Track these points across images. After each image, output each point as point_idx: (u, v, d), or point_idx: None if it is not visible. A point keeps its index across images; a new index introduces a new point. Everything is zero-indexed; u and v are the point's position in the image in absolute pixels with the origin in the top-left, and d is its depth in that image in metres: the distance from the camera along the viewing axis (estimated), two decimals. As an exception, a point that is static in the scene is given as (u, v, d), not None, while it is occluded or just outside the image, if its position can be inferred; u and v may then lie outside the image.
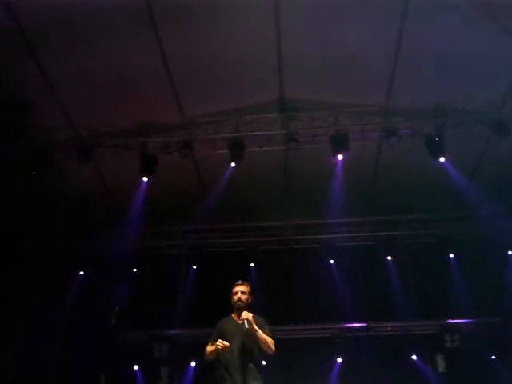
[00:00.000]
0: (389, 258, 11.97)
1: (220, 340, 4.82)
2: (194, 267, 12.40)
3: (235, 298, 5.14)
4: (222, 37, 8.27)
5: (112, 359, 11.08)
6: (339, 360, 11.25)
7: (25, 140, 8.89)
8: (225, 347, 4.78)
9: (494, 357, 10.86)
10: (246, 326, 4.81)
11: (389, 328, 11.53)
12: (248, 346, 4.91)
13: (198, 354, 11.01)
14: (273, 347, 4.89)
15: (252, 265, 11.88)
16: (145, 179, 9.63)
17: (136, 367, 11.48)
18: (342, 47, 8.38)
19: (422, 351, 11.28)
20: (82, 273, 11.89)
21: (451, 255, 11.71)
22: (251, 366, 4.89)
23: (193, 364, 11.46)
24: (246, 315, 4.87)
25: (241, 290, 5.17)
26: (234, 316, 5.18)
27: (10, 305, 9.91)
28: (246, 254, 12.02)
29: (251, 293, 5.27)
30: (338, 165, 9.65)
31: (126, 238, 11.42)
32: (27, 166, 9.10)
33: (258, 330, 4.87)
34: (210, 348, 5.06)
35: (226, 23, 8.06)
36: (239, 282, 5.27)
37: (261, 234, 12.03)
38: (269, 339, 4.90)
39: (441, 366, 11.02)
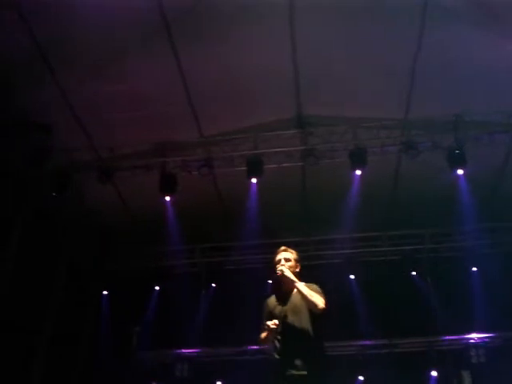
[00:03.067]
0: (413, 272, 11.80)
1: (271, 322, 4.06)
2: (214, 285, 12.37)
3: (277, 267, 4.34)
4: (239, 55, 8.35)
5: (133, 379, 11.04)
6: (361, 378, 11.06)
7: (47, 161, 9.04)
8: (275, 326, 4.04)
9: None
10: (279, 277, 4.23)
11: (413, 344, 11.32)
12: (301, 320, 4.18)
13: (221, 372, 11.22)
14: (320, 303, 4.10)
15: (270, 281, 11.78)
16: (167, 199, 9.68)
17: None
18: (359, 62, 8.40)
19: (447, 367, 11.05)
20: (105, 292, 11.96)
21: (474, 268, 11.51)
22: (307, 345, 4.10)
23: (219, 383, 11.34)
24: (282, 268, 4.25)
25: (284, 257, 4.39)
26: (276, 291, 4.44)
27: (35, 322, 9.97)
28: (265, 271, 11.94)
29: (299, 260, 4.47)
30: (356, 179, 9.57)
31: (147, 257, 11.49)
32: (50, 188, 9.22)
33: (296, 280, 4.21)
34: (262, 335, 4.29)
35: (243, 42, 8.15)
36: (282, 247, 4.53)
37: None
38: (314, 294, 4.16)
39: (467, 382, 10.78)
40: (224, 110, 9.23)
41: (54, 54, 8.06)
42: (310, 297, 4.13)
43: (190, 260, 12.32)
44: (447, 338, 11.18)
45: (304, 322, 4.18)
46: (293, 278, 4.24)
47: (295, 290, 4.27)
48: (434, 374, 10.95)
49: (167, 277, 11.99)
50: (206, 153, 9.58)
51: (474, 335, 11.00)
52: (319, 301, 4.13)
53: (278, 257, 4.44)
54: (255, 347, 11.26)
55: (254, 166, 9.31)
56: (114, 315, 11.41)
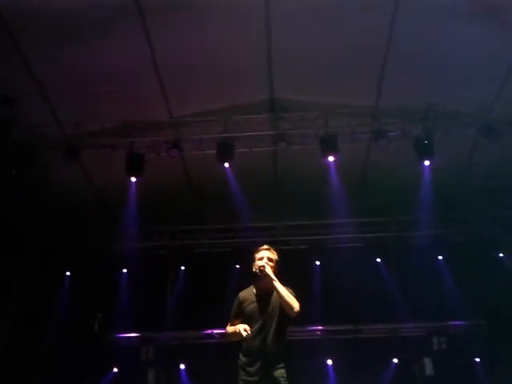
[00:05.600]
0: (378, 259, 11.94)
1: (244, 326, 4.15)
2: (183, 268, 12.27)
3: (258, 263, 4.35)
4: (211, 36, 8.20)
5: (97, 362, 10.92)
6: (329, 362, 11.19)
7: (10, 136, 8.75)
8: (247, 335, 4.11)
9: (477, 359, 10.86)
10: (259, 273, 4.27)
11: (377, 330, 11.48)
12: (272, 325, 4.24)
13: (187, 356, 11.18)
14: (296, 306, 4.16)
15: (238, 266, 11.79)
16: (133, 179, 9.50)
17: (115, 370, 11.24)
18: (333, 47, 8.32)
19: (409, 354, 11.25)
20: (68, 273, 11.72)
21: (440, 257, 11.69)
22: (275, 350, 4.19)
23: (182, 366, 11.30)
24: (264, 263, 4.28)
25: (267, 256, 4.39)
26: (255, 288, 4.45)
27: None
28: (234, 255, 11.94)
29: (278, 262, 4.47)
30: (329, 166, 9.55)
31: (114, 239, 11.30)
32: (12, 163, 8.95)
33: (275, 279, 4.21)
34: (230, 329, 4.40)
35: (216, 23, 8.00)
36: (265, 246, 4.54)
37: (250, 234, 11.93)
38: (291, 296, 4.21)
39: (428, 369, 11.00)
40: (195, 90, 9.04)
41: (19, 26, 7.75)
42: (287, 298, 4.16)
43: (157, 242, 12.17)
44: (410, 324, 11.36)
45: (276, 325, 4.25)
46: (273, 276, 4.25)
47: (274, 292, 4.28)
48: (394, 360, 11.15)
49: (135, 259, 11.83)
50: (175, 134, 9.42)
51: (436, 323, 11.19)
52: (296, 304, 4.18)
53: (260, 254, 4.43)
54: (222, 331, 11.27)
55: (225, 150, 9.21)
56: (78, 297, 11.18)
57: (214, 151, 9.27)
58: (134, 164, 9.22)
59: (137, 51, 8.30)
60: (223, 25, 8.01)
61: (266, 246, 4.54)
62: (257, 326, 4.24)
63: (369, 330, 11.46)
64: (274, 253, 4.51)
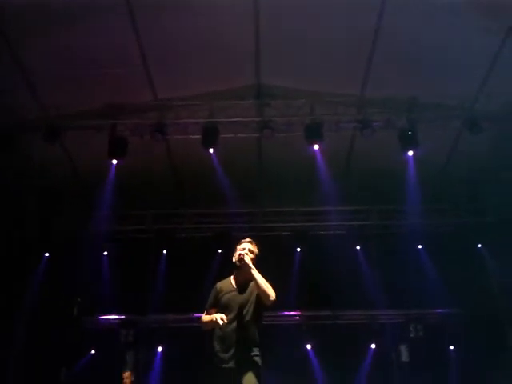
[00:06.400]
0: (358, 247, 12.06)
1: (221, 315, 4.19)
2: (165, 252, 12.24)
3: (237, 254, 4.42)
4: (198, 20, 8.11)
5: (75, 345, 10.91)
6: (309, 346, 11.34)
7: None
8: (223, 323, 4.16)
9: (451, 347, 11.13)
10: (238, 262, 4.36)
11: (355, 317, 11.64)
12: (247, 313, 4.30)
13: (167, 339, 11.22)
14: (273, 294, 4.22)
15: (220, 251, 11.81)
16: (114, 162, 9.37)
17: (92, 351, 11.32)
18: (320, 36, 8.30)
19: (387, 340, 11.44)
20: (47, 255, 11.61)
21: (420, 246, 11.85)
22: (249, 338, 4.26)
23: (160, 349, 11.37)
24: (244, 253, 4.36)
25: (248, 248, 4.48)
26: (234, 278, 4.54)
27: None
28: (217, 240, 11.94)
29: (258, 257, 4.54)
30: (315, 154, 9.55)
31: (95, 222, 11.20)
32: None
33: (253, 267, 4.30)
34: (206, 318, 4.42)
35: (205, 8, 7.91)
36: (247, 239, 4.60)
37: (233, 220, 11.94)
38: (268, 285, 4.27)
39: (404, 356, 11.20)
40: (181, 74, 8.95)
41: (3, 9, 7.53)
42: (264, 286, 4.24)
43: (139, 226, 12.11)
44: (388, 312, 11.54)
45: (252, 314, 4.32)
46: (251, 265, 4.31)
47: (251, 282, 4.35)
48: (372, 346, 11.34)
49: (117, 242, 11.77)
50: (159, 117, 9.33)
51: (413, 310, 11.37)
52: (272, 292, 4.25)
53: (242, 246, 4.53)
54: (200, 315, 11.31)
55: (210, 135, 9.14)
56: (57, 280, 11.07)
57: (198, 136, 9.19)
58: (117, 146, 9.09)
59: (122, 34, 8.18)
60: (211, 10, 7.91)
61: (248, 239, 4.62)
62: (233, 314, 4.30)
63: (348, 316, 11.62)
64: (255, 246, 4.59)
